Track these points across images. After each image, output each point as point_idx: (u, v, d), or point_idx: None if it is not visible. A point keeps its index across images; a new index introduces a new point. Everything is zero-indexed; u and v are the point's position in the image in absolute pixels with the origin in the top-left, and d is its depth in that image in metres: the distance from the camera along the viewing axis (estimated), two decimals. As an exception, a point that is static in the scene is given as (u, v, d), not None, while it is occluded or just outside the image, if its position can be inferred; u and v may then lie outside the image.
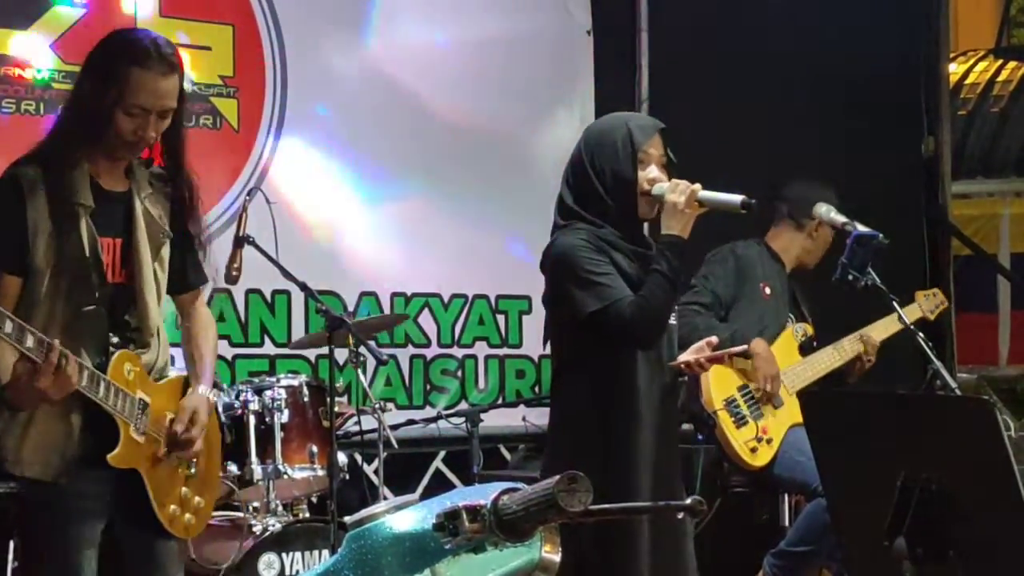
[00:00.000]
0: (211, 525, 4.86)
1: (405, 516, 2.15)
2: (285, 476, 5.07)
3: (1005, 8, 15.03)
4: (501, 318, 6.76)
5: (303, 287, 4.88)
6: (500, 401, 6.66)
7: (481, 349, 6.72)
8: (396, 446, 5.37)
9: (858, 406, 3.19)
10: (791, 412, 5.46)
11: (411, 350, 6.52)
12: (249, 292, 6.02)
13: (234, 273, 4.81)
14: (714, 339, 4.05)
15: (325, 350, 4.96)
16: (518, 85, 6.83)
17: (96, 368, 3.48)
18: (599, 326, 3.83)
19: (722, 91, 7.04)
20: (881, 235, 5.18)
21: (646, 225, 4.11)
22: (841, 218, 5.54)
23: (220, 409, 4.86)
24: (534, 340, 6.56)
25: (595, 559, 3.75)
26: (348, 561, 2.15)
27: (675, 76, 7.08)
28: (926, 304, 6.04)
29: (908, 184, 7.90)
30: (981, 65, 13.15)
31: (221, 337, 4.78)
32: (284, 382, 5.21)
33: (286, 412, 5.10)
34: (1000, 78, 12.91)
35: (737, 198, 3.87)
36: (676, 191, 3.87)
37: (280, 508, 5.12)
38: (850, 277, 5.03)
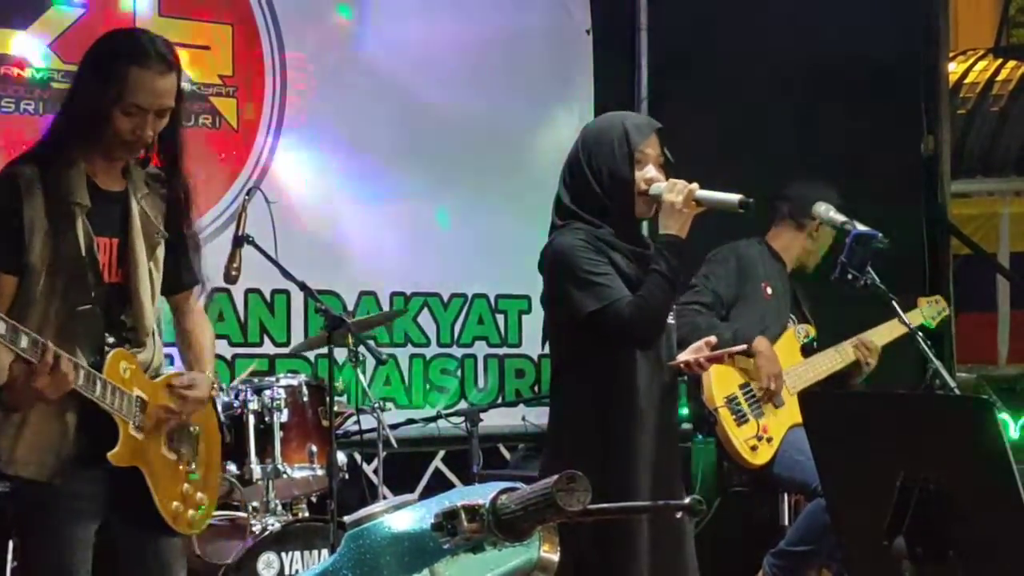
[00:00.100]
0: (210, 524, 4.86)
1: (404, 516, 2.15)
2: (284, 475, 5.07)
3: (1004, 8, 15.04)
4: (500, 318, 6.76)
5: (302, 287, 4.88)
6: (499, 401, 6.65)
7: (480, 349, 6.72)
8: (395, 445, 5.37)
9: (857, 406, 3.19)
10: (792, 412, 5.46)
11: (410, 349, 6.52)
12: (248, 292, 6.01)
13: (233, 273, 4.80)
14: (713, 339, 4.05)
15: (324, 350, 4.96)
16: (517, 84, 6.83)
17: (91, 367, 3.48)
18: (598, 326, 3.83)
19: (722, 91, 7.04)
20: (880, 234, 5.18)
21: (645, 224, 4.11)
22: (840, 217, 5.54)
23: (219, 408, 4.86)
24: (534, 340, 6.57)
25: (594, 559, 3.75)
26: (347, 560, 2.15)
27: (675, 76, 7.08)
28: (928, 310, 6.06)
29: (907, 183, 7.90)
30: (980, 64, 13.15)
31: (220, 337, 4.78)
32: (283, 382, 5.21)
33: (285, 412, 5.10)
34: (999, 77, 12.92)
35: (735, 197, 3.87)
36: (674, 190, 3.86)
37: (279, 507, 5.12)
38: (849, 276, 5.03)
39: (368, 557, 2.13)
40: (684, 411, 5.48)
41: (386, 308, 6.40)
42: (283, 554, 4.93)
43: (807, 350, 5.76)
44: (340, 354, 5.06)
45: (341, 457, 5.04)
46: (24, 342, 3.32)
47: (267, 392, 5.09)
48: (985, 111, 12.65)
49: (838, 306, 5.67)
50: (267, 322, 6.14)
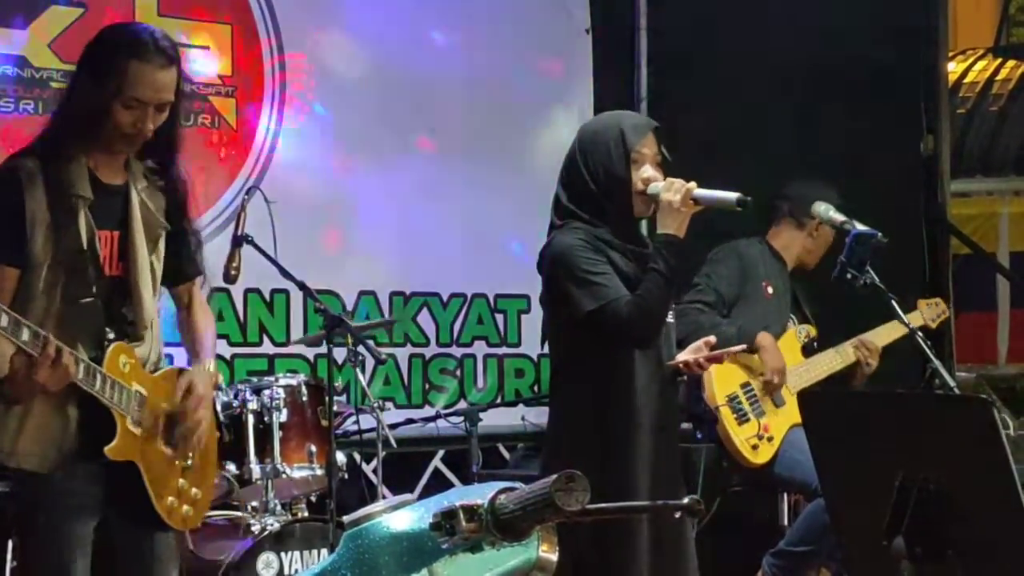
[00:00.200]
0: (210, 524, 4.88)
1: (403, 515, 2.15)
2: (284, 475, 5.07)
3: (1004, 7, 15.03)
4: (500, 317, 6.76)
5: (302, 286, 4.88)
6: (499, 400, 6.65)
7: (480, 348, 6.72)
8: (395, 445, 5.36)
9: (857, 406, 3.19)
10: (793, 412, 5.46)
11: (410, 349, 6.52)
12: (248, 291, 6.01)
13: (233, 272, 4.80)
14: (712, 338, 4.05)
15: (324, 349, 4.96)
16: (517, 84, 6.83)
17: (92, 361, 3.48)
18: (596, 325, 3.83)
19: (722, 91, 7.04)
20: (880, 234, 5.17)
21: (644, 224, 4.11)
22: (840, 217, 5.53)
23: (219, 408, 4.86)
24: (533, 339, 6.56)
25: (593, 559, 3.75)
26: (346, 560, 2.15)
27: (674, 76, 7.08)
28: (928, 312, 6.06)
29: (907, 183, 7.89)
30: (980, 64, 13.14)
31: (220, 336, 4.77)
32: (283, 381, 5.20)
33: (285, 411, 5.09)
34: (999, 77, 12.91)
35: (733, 196, 3.87)
36: (671, 190, 3.87)
37: (279, 507, 5.12)
38: (849, 276, 5.02)
39: (367, 557, 2.13)
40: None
41: (385, 308, 6.41)
42: (282, 554, 4.93)
43: (807, 350, 5.77)
44: (339, 354, 5.06)
45: (340, 457, 5.04)
46: (25, 335, 3.33)
47: (266, 392, 5.09)
48: (984, 111, 12.64)
49: (838, 306, 5.66)
50: (266, 322, 6.14)
